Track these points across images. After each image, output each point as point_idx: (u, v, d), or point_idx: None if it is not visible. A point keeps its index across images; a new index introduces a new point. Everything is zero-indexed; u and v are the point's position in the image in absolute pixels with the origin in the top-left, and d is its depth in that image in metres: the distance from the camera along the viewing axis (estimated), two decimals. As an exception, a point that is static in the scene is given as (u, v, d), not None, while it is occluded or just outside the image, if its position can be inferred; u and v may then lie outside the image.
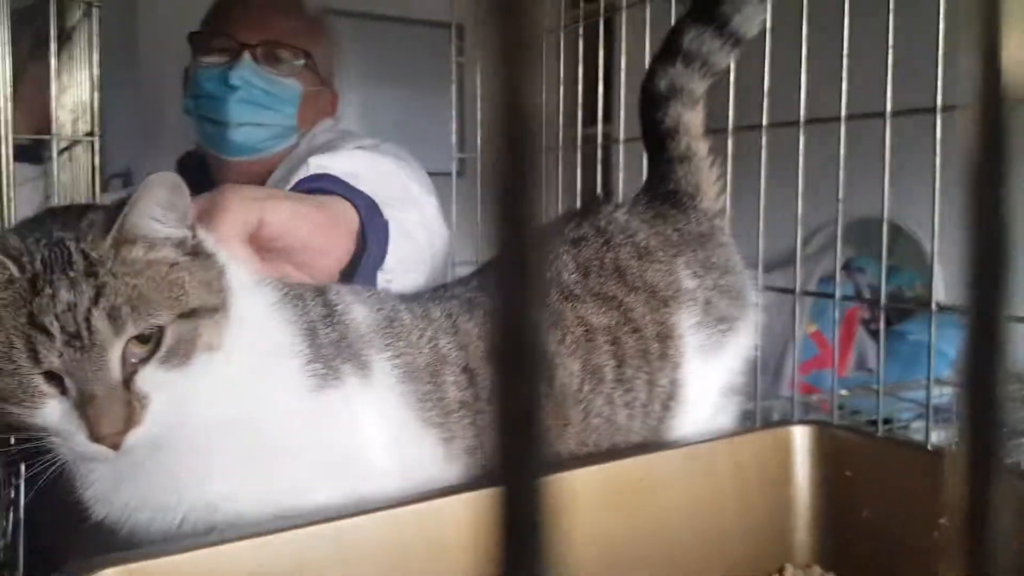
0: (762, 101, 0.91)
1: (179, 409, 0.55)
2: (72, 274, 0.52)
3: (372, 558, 0.56)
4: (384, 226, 0.89)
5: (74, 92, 1.22)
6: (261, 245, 0.72)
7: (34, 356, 0.51)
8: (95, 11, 1.12)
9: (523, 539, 0.18)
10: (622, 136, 1.10)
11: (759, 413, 0.97)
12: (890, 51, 0.81)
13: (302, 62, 1.31)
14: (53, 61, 1.15)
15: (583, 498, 0.66)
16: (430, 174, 1.30)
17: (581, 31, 1.18)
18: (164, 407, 0.54)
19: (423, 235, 1.03)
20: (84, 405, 0.52)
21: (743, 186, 0.97)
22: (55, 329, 0.51)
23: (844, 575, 0.72)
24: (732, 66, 0.91)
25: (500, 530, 0.18)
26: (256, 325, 0.60)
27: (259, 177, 1.33)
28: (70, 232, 0.54)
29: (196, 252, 0.58)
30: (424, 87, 2.59)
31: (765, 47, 0.90)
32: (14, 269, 0.52)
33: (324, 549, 0.55)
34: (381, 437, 0.64)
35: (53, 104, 1.16)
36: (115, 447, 0.52)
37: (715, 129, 0.98)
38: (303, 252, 0.75)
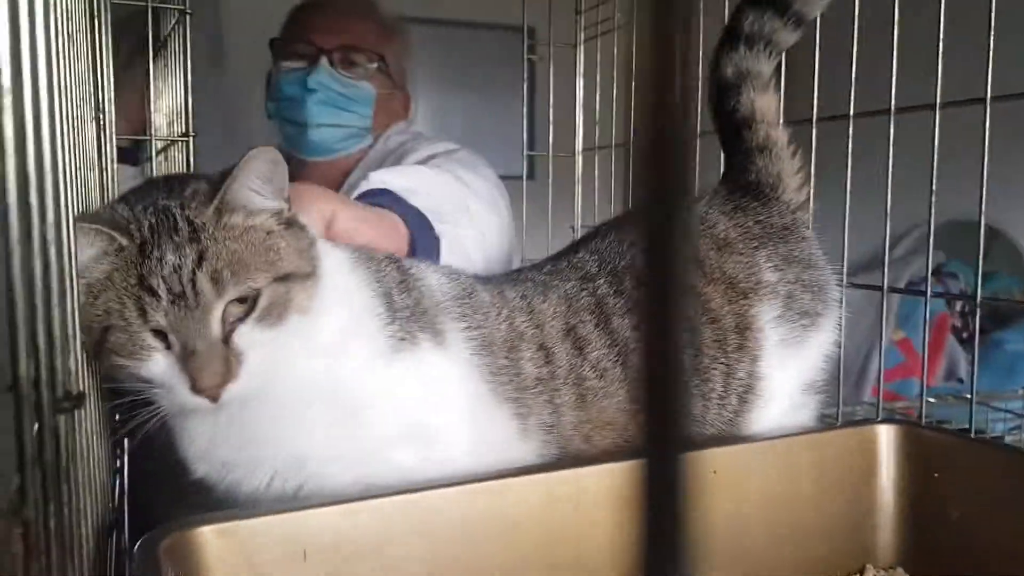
0: (849, 89, 0.89)
1: (272, 366, 0.59)
2: (177, 239, 0.56)
3: (452, 531, 0.58)
4: (435, 242, 0.93)
5: (168, 96, 1.29)
6: (329, 239, 0.75)
7: (143, 314, 0.55)
8: (187, 19, 1.18)
9: (665, 510, 0.18)
10: (698, 129, 1.09)
11: (840, 418, 0.95)
12: (991, 32, 0.77)
13: (375, 65, 1.36)
14: (151, 67, 1.21)
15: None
16: (502, 178, 1.32)
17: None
18: (259, 363, 0.57)
19: (479, 254, 1.06)
20: (186, 359, 0.56)
21: (828, 181, 0.94)
22: (162, 290, 0.55)
23: (930, 579, 0.69)
24: (816, 53, 0.89)
25: (643, 500, 0.18)
26: (341, 291, 0.64)
27: (337, 178, 1.38)
28: (175, 200, 0.58)
29: (290, 223, 0.62)
30: (494, 91, 2.62)
31: (853, 31, 0.87)
32: (123, 239, 0.56)
33: (408, 519, 0.57)
34: (454, 404, 0.66)
35: (151, 107, 1.23)
36: (214, 399, 0.56)
37: (798, 120, 0.96)
38: None
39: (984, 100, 0.77)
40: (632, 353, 0.72)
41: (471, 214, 1.07)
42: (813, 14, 0.84)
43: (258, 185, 0.59)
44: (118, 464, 0.71)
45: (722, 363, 0.74)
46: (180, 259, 0.56)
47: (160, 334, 0.56)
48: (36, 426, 0.33)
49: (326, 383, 0.62)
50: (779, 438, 0.73)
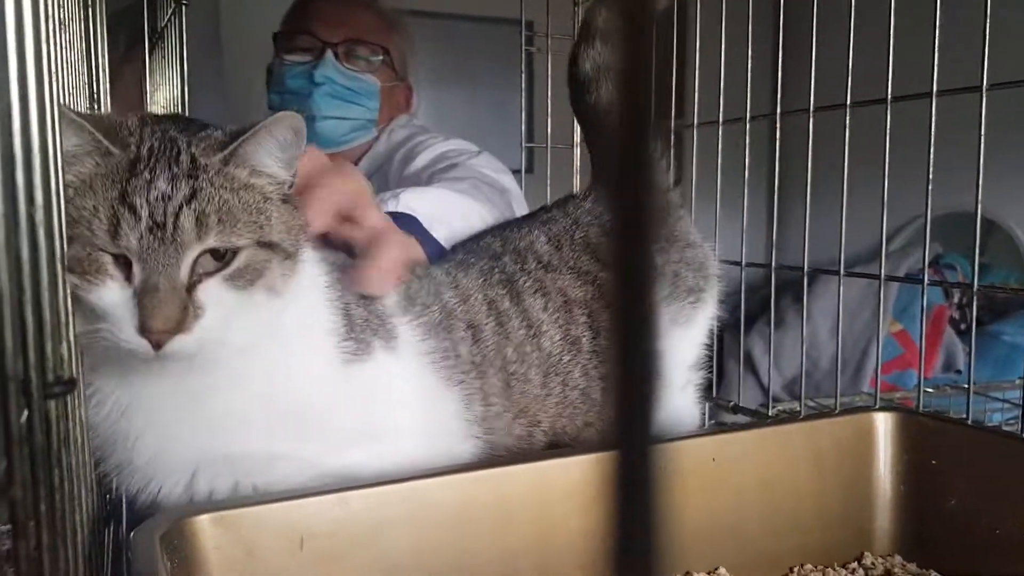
0: (846, 78, 0.88)
1: (225, 335, 0.55)
2: (175, 170, 0.54)
3: (444, 518, 0.58)
4: None
5: (166, 89, 1.28)
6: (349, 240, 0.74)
7: (114, 231, 0.52)
8: (183, 9, 1.17)
9: (636, 500, 0.18)
10: (696, 120, 1.09)
11: (838, 408, 0.94)
12: (987, 19, 0.76)
13: (380, 58, 1.36)
14: (147, 59, 1.21)
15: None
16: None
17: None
18: (215, 324, 0.54)
19: None
20: (143, 295, 0.52)
21: (824, 173, 0.94)
22: (143, 213, 0.52)
23: (927, 566, 0.69)
24: (813, 43, 0.88)
25: (616, 491, 0.18)
26: (307, 291, 0.63)
27: None
28: (185, 136, 0.56)
29: (286, 200, 0.60)
30: (492, 85, 2.61)
31: (850, 19, 0.87)
32: (112, 147, 0.53)
33: (403, 507, 0.57)
34: (407, 402, 0.66)
35: (147, 99, 1.22)
36: (158, 346, 0.52)
37: (794, 110, 0.95)
38: None
39: (980, 88, 0.76)
40: (544, 336, 0.74)
41: None
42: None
43: (273, 149, 0.58)
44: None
45: None
46: (172, 190, 0.53)
47: (121, 263, 0.53)
48: (26, 410, 0.33)
49: (277, 383, 0.60)
50: (776, 425, 0.73)
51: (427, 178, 1.17)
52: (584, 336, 0.76)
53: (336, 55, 1.32)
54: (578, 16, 1.41)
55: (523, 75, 1.39)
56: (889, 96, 0.85)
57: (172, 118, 0.61)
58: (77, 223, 0.52)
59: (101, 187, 0.53)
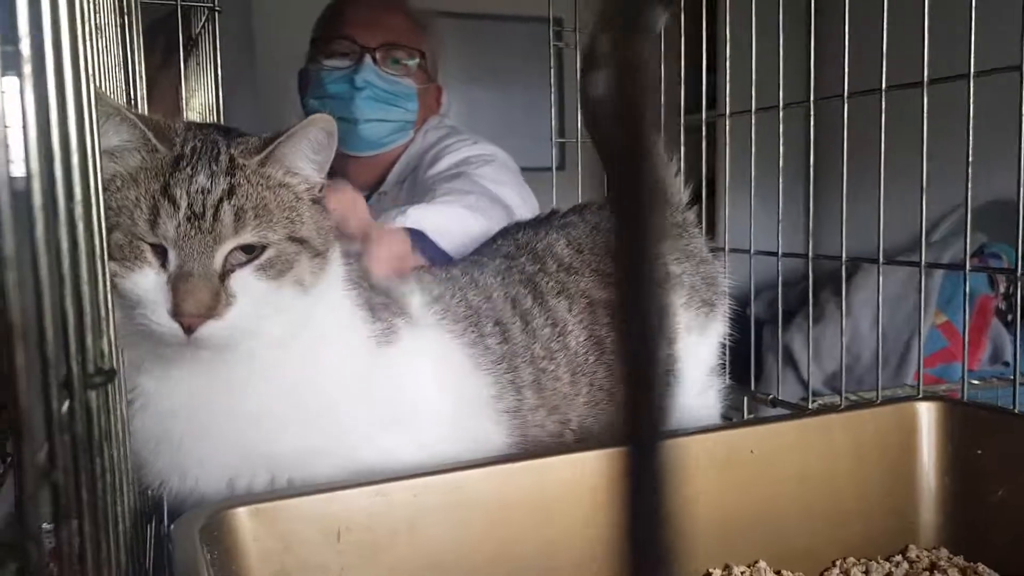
0: (881, 62, 0.86)
1: (258, 324, 0.58)
2: (214, 167, 0.57)
3: (483, 510, 0.58)
4: None
5: (201, 94, 1.30)
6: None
7: (154, 220, 0.55)
8: (216, 16, 1.19)
9: (646, 495, 0.19)
10: (728, 109, 1.07)
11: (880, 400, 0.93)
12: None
13: (416, 61, 1.37)
14: (182, 66, 1.23)
15: (693, 466, 0.65)
16: (529, 169, 1.33)
17: (683, 5, 1.15)
18: (245, 312, 0.56)
19: None
20: (178, 281, 0.55)
21: (860, 161, 0.92)
22: (183, 203, 0.55)
23: (974, 558, 0.67)
24: (846, 26, 0.86)
25: (626, 485, 0.18)
26: (337, 291, 0.65)
27: (380, 171, 1.40)
28: (226, 139, 0.60)
29: (318, 202, 0.63)
30: (521, 82, 2.61)
31: (884, 6, 0.85)
32: (160, 144, 0.57)
33: (440, 499, 0.57)
34: (437, 382, 0.68)
35: (183, 105, 1.25)
36: (190, 329, 0.54)
37: (829, 95, 0.94)
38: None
39: (1020, 68, 0.74)
40: (570, 335, 0.75)
41: None
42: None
43: (308, 152, 0.61)
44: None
45: None
46: (211, 184, 0.56)
47: (158, 252, 0.55)
48: (67, 400, 0.33)
49: (311, 376, 0.62)
50: (816, 416, 0.72)
51: (436, 183, 1.19)
52: (609, 337, 0.77)
53: (374, 59, 1.33)
54: (607, 10, 1.40)
55: (552, 71, 1.38)
56: (925, 79, 0.83)
57: (214, 125, 0.65)
58: (119, 213, 0.55)
59: (144, 180, 0.56)
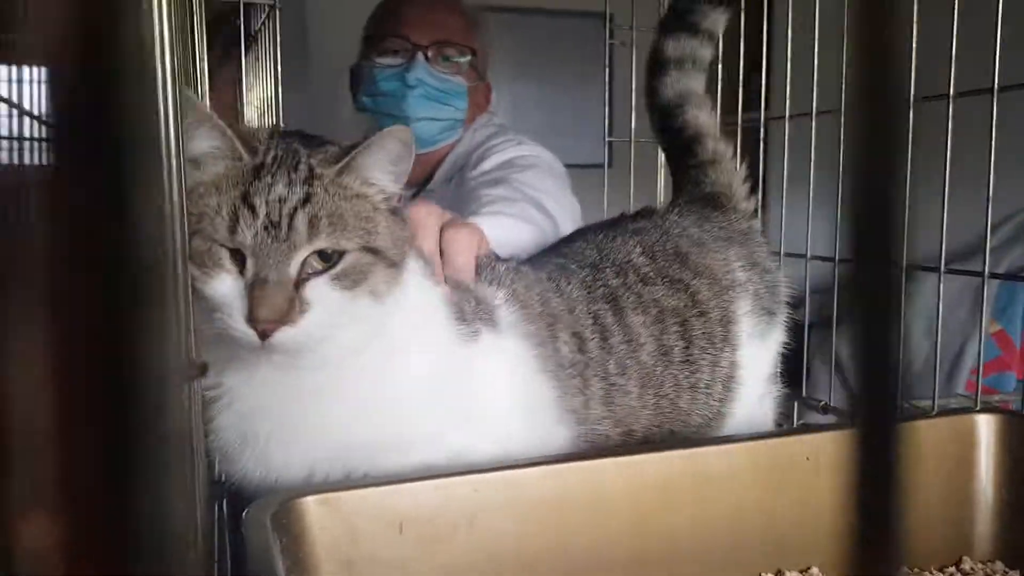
0: (949, 67, 0.85)
1: (332, 332, 0.59)
2: (293, 176, 0.59)
3: (541, 507, 0.59)
4: None
5: (259, 89, 1.33)
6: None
7: (233, 226, 0.56)
8: (277, 13, 1.22)
9: (880, 482, 0.19)
10: (788, 112, 1.07)
11: (936, 410, 0.92)
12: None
13: (468, 59, 1.38)
14: (243, 61, 1.26)
15: (744, 474, 0.65)
16: (581, 167, 1.32)
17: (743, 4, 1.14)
18: (320, 320, 0.57)
19: None
20: (254, 287, 0.56)
21: (919, 163, 0.91)
22: (261, 211, 0.56)
23: (1034, 574, 0.66)
24: (915, 31, 0.85)
25: (858, 473, 0.19)
26: (415, 299, 0.66)
27: (428, 168, 1.41)
28: (307, 148, 0.61)
29: (395, 212, 0.64)
30: (573, 79, 2.61)
31: (955, 9, 0.84)
32: (245, 152, 0.59)
33: (500, 495, 0.59)
34: (509, 385, 0.68)
35: (243, 100, 1.28)
36: (265, 335, 0.56)
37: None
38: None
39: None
40: (642, 349, 0.75)
41: None
42: (721, 29, 0.93)
43: (385, 163, 0.62)
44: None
45: (710, 354, 0.79)
46: (289, 192, 0.58)
47: (237, 258, 0.57)
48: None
49: (386, 382, 0.63)
50: (872, 426, 0.71)
51: (478, 188, 1.19)
52: (676, 346, 0.77)
53: (427, 57, 1.34)
54: (662, 8, 1.39)
55: (607, 69, 1.38)
56: (996, 86, 0.81)
57: (297, 133, 0.66)
58: (201, 219, 0.57)
59: (227, 187, 0.58)
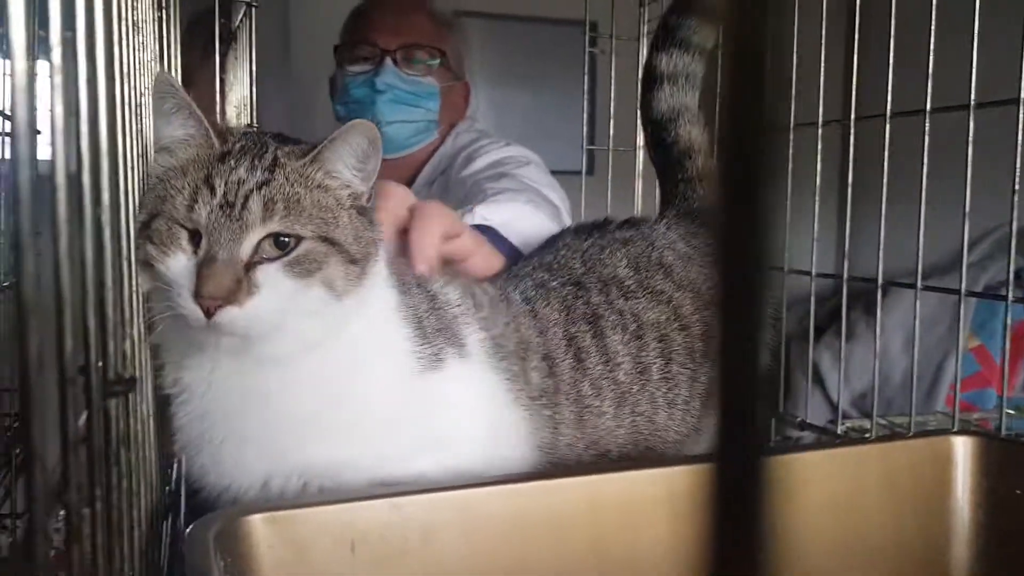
0: (926, 84, 0.84)
1: (282, 319, 0.58)
2: (257, 163, 0.59)
3: (497, 528, 0.57)
4: None
5: (238, 88, 1.31)
6: (445, 253, 0.76)
7: (191, 206, 0.57)
8: (253, 11, 1.20)
9: (739, 515, 0.18)
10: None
11: (912, 429, 0.90)
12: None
13: (438, 61, 1.38)
14: (218, 60, 1.24)
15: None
16: (559, 172, 1.32)
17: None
18: (268, 306, 0.57)
19: None
20: (203, 265, 0.56)
21: (898, 182, 0.90)
22: (218, 191, 0.57)
23: (1009, 600, 0.65)
24: (891, 48, 0.84)
25: (717, 505, 0.18)
26: (382, 307, 0.65)
27: (408, 174, 1.40)
28: (276, 142, 0.62)
29: (363, 212, 0.63)
30: (553, 86, 2.59)
31: (931, 26, 0.83)
32: (216, 141, 0.60)
33: (455, 514, 0.57)
34: (477, 413, 0.67)
35: (223, 99, 1.25)
36: (209, 313, 0.55)
37: (870, 115, 0.91)
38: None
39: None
40: (619, 369, 0.74)
41: None
42: (711, 44, 0.92)
43: (350, 158, 0.61)
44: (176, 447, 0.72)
45: (688, 368, 0.77)
46: (249, 176, 0.58)
47: (194, 239, 0.57)
48: (85, 413, 0.33)
49: (348, 389, 0.62)
50: (847, 446, 0.70)
51: (480, 183, 1.18)
52: (655, 364, 0.76)
53: (395, 61, 1.35)
54: (644, 16, 1.38)
55: (586, 77, 1.37)
56: (972, 103, 0.80)
57: (274, 134, 0.66)
58: (164, 201, 0.57)
59: (193, 171, 0.58)
